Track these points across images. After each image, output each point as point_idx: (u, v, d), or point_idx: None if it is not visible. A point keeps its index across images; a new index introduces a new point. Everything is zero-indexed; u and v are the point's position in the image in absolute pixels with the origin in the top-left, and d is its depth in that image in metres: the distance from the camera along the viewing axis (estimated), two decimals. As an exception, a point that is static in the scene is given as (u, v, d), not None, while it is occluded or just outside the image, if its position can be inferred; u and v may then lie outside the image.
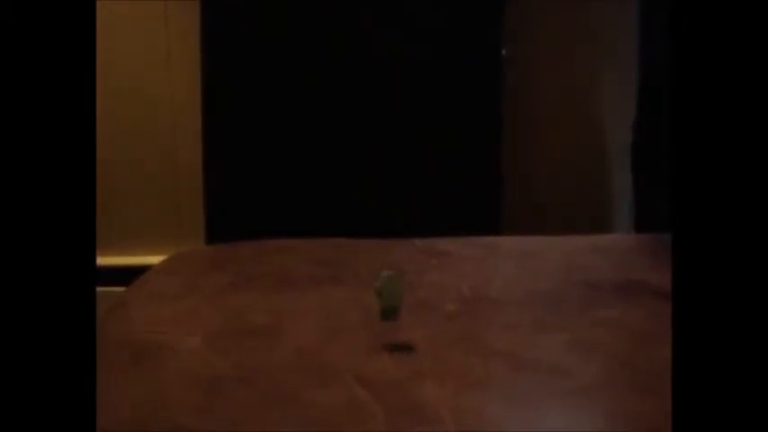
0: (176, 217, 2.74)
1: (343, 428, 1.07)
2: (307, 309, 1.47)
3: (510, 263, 1.74)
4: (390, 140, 2.43)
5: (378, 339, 1.33)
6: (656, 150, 2.40)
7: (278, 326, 1.38)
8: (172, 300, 1.54)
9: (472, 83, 2.51)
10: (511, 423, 1.11)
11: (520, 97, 2.64)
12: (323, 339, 1.34)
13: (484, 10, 2.52)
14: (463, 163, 2.21)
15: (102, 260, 2.59)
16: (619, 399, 1.16)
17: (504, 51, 2.53)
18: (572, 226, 2.36)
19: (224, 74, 2.52)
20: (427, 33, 2.51)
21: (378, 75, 2.46)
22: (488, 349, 1.30)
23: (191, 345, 1.31)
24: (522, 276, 1.63)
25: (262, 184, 2.49)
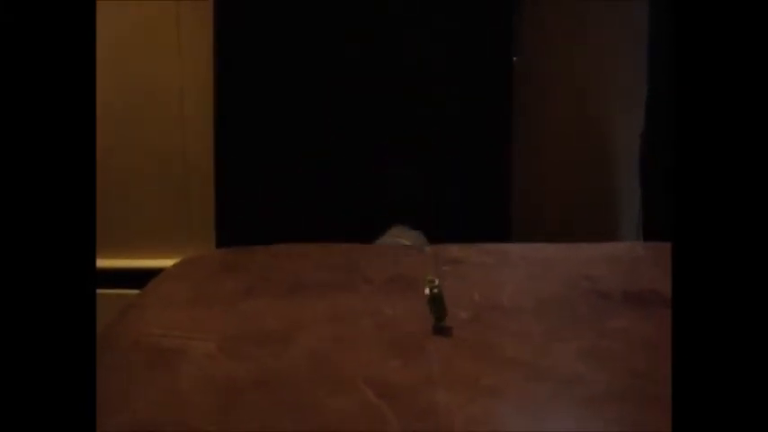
0: (188, 220, 2.74)
1: (356, 434, 1.08)
2: (319, 315, 1.47)
3: (521, 271, 1.74)
4: (402, 146, 2.44)
5: (389, 346, 1.34)
6: (664, 160, 2.40)
7: (291, 331, 1.39)
8: (185, 304, 1.55)
9: (482, 89, 2.52)
10: (521, 431, 1.12)
11: (530, 104, 2.64)
12: (335, 345, 1.34)
13: (495, 16, 2.52)
14: (473, 170, 2.22)
15: (112, 262, 2.61)
16: (629, 408, 1.17)
17: (514, 58, 2.54)
18: (581, 234, 2.36)
19: (236, 74, 2.53)
20: (438, 39, 2.52)
21: (389, 80, 2.47)
22: (500, 357, 1.31)
23: (205, 349, 1.32)
24: (533, 284, 1.64)
25: (273, 189, 2.49)
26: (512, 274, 1.72)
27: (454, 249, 1.82)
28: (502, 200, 2.49)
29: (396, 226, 2.18)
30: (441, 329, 1.38)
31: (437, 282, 1.40)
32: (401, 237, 2.15)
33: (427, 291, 1.40)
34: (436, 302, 1.39)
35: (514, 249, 1.94)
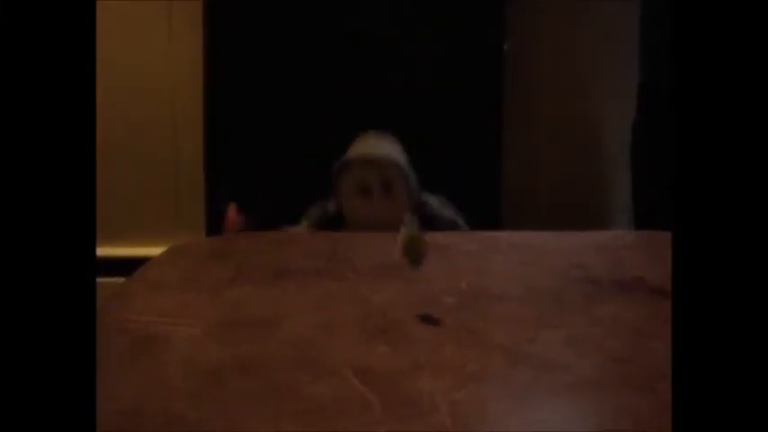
0: (177, 209, 2.75)
1: (339, 420, 1.08)
2: (305, 302, 1.47)
3: (509, 258, 1.74)
4: (390, 134, 2.43)
5: (375, 333, 1.34)
6: (655, 150, 2.40)
7: (276, 318, 1.39)
8: (171, 291, 1.55)
9: (474, 79, 2.51)
10: (507, 417, 1.11)
11: (521, 94, 2.64)
12: (320, 332, 1.34)
13: (485, 6, 2.52)
14: (464, 159, 2.22)
15: (102, 251, 2.59)
16: (615, 394, 1.17)
17: (505, 47, 2.54)
18: (571, 223, 2.36)
19: (226, 72, 2.53)
20: (429, 29, 2.52)
21: (380, 71, 2.46)
22: (486, 343, 1.30)
23: (190, 335, 1.32)
24: (521, 272, 1.64)
25: (262, 178, 2.49)
26: (501, 262, 1.71)
27: (443, 236, 1.82)
28: (492, 188, 2.49)
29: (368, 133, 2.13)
30: (428, 318, 1.38)
31: (409, 219, 1.33)
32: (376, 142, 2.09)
33: (402, 231, 1.33)
34: (412, 244, 1.34)
35: (504, 237, 1.94)
